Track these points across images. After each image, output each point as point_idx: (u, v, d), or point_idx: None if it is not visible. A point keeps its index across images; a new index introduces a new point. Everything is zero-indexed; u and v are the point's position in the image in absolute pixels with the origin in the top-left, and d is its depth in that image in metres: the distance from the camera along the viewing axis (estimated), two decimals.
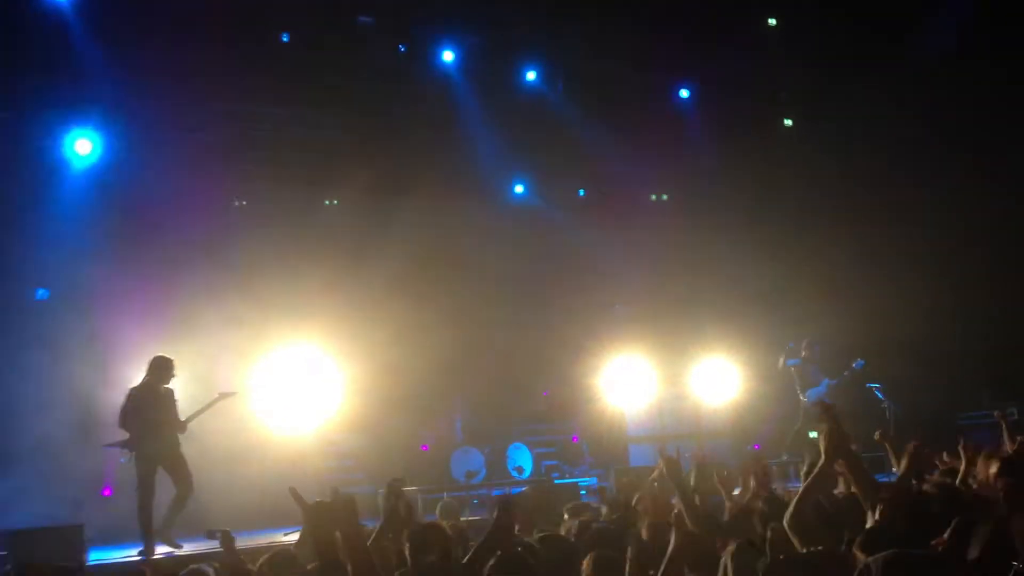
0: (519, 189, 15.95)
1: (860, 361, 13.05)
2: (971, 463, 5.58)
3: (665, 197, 16.37)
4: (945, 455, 6.77)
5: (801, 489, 4.14)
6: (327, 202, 14.55)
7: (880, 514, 4.21)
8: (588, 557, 4.35)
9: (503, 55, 14.34)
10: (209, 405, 10.03)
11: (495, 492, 11.80)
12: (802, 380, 13.34)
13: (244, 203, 13.90)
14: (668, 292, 14.96)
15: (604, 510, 6.74)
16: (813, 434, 13.35)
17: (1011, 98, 13.46)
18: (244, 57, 12.39)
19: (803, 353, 13.42)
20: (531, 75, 14.69)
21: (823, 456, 4.21)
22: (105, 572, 6.21)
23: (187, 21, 11.58)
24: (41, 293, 11.92)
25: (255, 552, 6.16)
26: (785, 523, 4.03)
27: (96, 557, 8.70)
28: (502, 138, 14.55)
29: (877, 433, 7.03)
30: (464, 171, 14.70)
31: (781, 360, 13.49)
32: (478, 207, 15.23)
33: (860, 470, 4.58)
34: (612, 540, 4.95)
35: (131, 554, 8.97)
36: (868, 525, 4.22)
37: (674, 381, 14.37)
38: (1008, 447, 6.76)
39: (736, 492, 6.44)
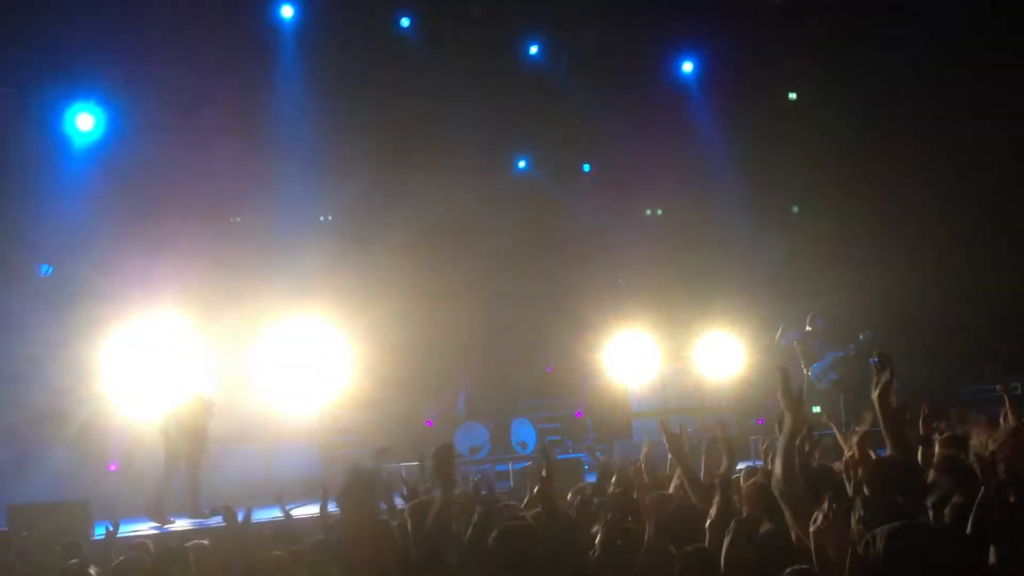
0: (522, 164, 15.90)
1: (868, 333, 12.96)
2: (967, 434, 5.56)
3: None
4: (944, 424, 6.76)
5: (783, 458, 4.05)
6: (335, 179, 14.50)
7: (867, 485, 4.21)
8: (600, 532, 4.40)
9: (507, 28, 14.22)
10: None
11: (499, 467, 11.85)
12: (805, 355, 13.28)
13: (248, 182, 13.86)
14: (672, 267, 14.93)
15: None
16: (816, 409, 13.37)
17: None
18: (247, 34, 12.34)
19: (807, 328, 13.36)
20: (533, 49, 14.57)
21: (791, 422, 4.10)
22: (109, 546, 6.26)
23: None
24: (44, 269, 11.93)
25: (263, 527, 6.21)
26: (777, 493, 4.01)
27: (101, 532, 8.75)
28: (506, 112, 14.47)
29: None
30: (468, 145, 14.63)
31: (777, 337, 13.42)
32: (482, 182, 15.20)
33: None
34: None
35: (140, 528, 9.05)
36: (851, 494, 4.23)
37: (678, 356, 14.37)
38: (1012, 420, 6.75)
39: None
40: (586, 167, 16.18)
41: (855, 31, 14.46)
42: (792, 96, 16.05)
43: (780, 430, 4.15)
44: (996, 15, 13.46)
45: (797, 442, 4.06)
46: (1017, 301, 13.68)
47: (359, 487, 3.97)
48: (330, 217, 14.81)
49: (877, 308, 13.38)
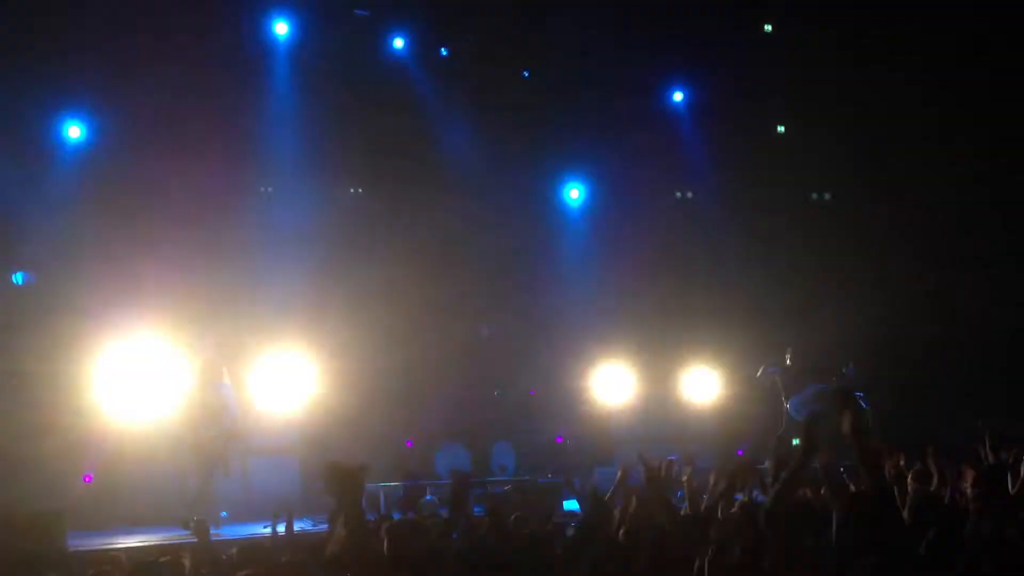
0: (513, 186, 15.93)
1: (851, 367, 13.01)
2: (942, 473, 5.61)
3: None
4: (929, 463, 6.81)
5: (777, 490, 4.13)
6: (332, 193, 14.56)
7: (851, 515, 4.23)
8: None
9: (496, 54, 14.26)
10: None
11: (478, 490, 11.79)
12: (786, 388, 13.33)
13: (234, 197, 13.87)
14: (656, 295, 14.98)
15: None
16: (796, 441, 13.37)
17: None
18: (237, 46, 12.36)
19: (787, 362, 13.41)
20: (524, 74, 14.64)
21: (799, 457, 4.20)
22: (82, 559, 6.21)
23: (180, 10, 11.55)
24: (21, 277, 11.87)
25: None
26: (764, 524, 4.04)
27: (75, 543, 8.68)
28: (492, 134, 14.54)
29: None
30: (456, 167, 14.68)
31: (760, 370, 13.46)
32: (469, 203, 15.24)
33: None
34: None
35: (114, 541, 8.99)
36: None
37: (660, 384, 14.40)
38: (989, 459, 6.80)
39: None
40: (572, 189, 16.17)
41: (847, 62, 14.61)
42: (780, 129, 16.17)
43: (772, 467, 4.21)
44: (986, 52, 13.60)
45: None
46: (998, 341, 13.78)
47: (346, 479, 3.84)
48: (318, 234, 14.81)
49: (858, 343, 13.46)
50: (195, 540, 5.73)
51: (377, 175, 14.57)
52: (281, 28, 12.88)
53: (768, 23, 15.41)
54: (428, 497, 11.08)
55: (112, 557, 5.78)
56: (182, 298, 11.71)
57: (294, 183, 13.61)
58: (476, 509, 9.59)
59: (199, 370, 10.51)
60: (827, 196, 15.76)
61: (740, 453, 14.24)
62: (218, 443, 10.25)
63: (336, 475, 3.72)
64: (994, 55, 13.68)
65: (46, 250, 11.72)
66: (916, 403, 13.71)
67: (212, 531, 8.46)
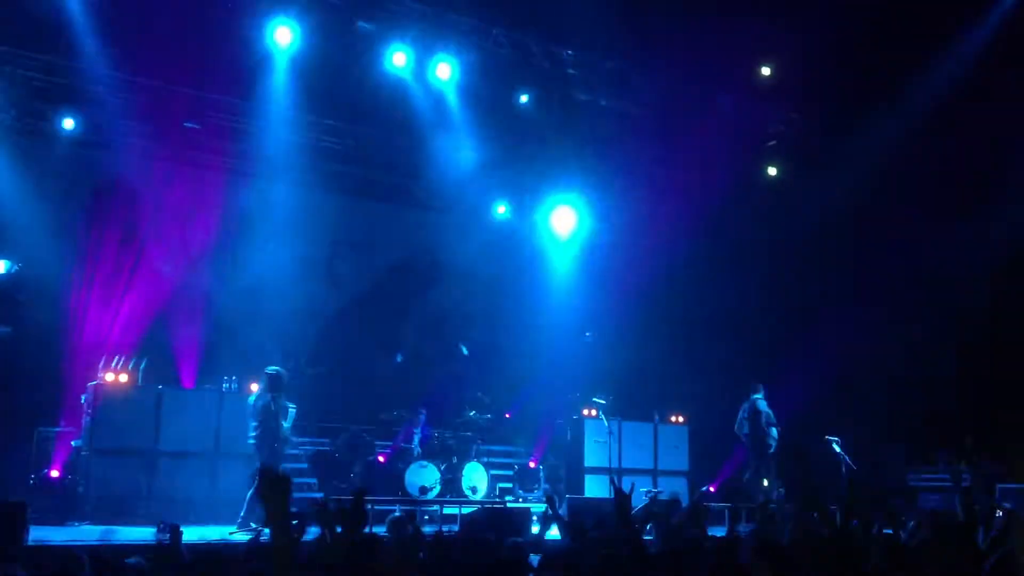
0: (501, 209, 16.02)
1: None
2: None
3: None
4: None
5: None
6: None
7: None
8: None
9: (497, 75, 14.37)
10: None
11: (446, 510, 11.76)
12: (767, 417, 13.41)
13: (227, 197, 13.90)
14: (637, 324, 15.06)
15: None
16: (765, 483, 13.44)
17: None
18: (236, 52, 12.39)
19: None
20: (524, 98, 14.71)
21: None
22: (43, 554, 6.13)
23: (184, 8, 11.55)
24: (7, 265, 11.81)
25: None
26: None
27: (36, 536, 8.58)
28: (488, 155, 14.61)
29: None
30: (448, 186, 14.76)
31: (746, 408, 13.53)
32: (460, 222, 15.33)
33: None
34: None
35: (75, 538, 8.89)
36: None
37: (638, 415, 14.46)
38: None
39: None
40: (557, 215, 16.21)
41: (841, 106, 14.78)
42: (771, 171, 16.31)
43: None
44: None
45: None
46: (971, 389, 13.86)
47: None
48: (310, 240, 14.86)
49: (834, 390, 13.58)
50: (159, 542, 5.68)
51: (368, 189, 14.66)
52: (284, 35, 12.91)
53: None
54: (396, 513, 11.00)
55: (74, 555, 5.71)
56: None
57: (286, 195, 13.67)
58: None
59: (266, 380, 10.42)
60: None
61: (713, 488, 14.31)
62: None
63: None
64: None
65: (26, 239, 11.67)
66: (886, 452, 13.83)
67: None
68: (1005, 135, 13.53)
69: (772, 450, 13.15)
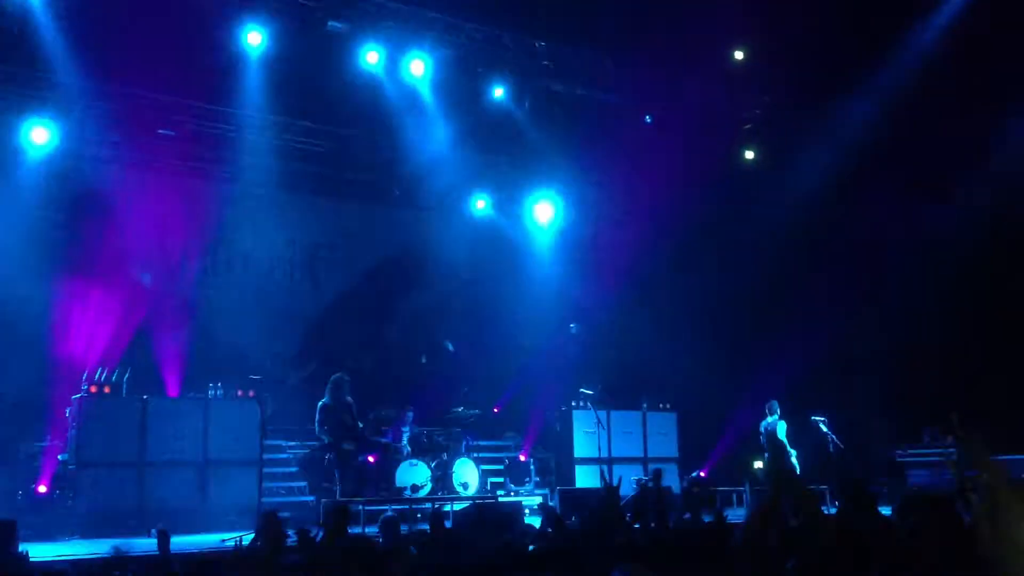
0: (481, 204, 16.00)
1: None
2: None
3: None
4: None
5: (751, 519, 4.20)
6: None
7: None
8: None
9: (471, 70, 14.35)
10: None
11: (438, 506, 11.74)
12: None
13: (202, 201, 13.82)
14: (622, 314, 15.09)
15: None
16: (758, 463, 13.54)
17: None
18: (208, 57, 12.31)
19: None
20: (498, 91, 14.68)
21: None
22: (29, 569, 6.09)
23: (153, 15, 11.46)
24: None
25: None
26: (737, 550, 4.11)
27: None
28: (465, 151, 14.59)
29: None
30: (426, 183, 14.74)
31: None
32: (440, 218, 15.32)
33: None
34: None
35: (62, 552, 8.83)
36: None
37: (626, 403, 14.51)
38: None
39: None
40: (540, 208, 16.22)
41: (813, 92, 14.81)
42: (748, 155, 16.34)
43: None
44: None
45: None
46: (956, 366, 13.94)
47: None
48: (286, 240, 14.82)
49: (820, 368, 13.65)
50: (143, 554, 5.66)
51: (345, 189, 14.62)
52: (255, 38, 12.82)
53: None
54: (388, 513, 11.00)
55: (59, 570, 5.69)
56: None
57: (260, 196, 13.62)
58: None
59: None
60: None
61: (703, 474, 14.38)
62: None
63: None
64: None
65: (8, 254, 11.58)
66: (874, 430, 13.91)
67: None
68: (977, 109, 13.60)
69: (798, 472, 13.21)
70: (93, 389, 10.83)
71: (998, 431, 12.79)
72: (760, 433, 13.55)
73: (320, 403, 11.71)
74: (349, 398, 11.90)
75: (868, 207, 14.49)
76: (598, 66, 14.87)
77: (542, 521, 6.65)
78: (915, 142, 14.26)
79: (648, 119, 15.77)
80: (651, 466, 14.13)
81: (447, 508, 11.35)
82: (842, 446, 13.26)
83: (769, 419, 13.51)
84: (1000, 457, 12.59)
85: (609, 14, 13.95)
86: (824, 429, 13.23)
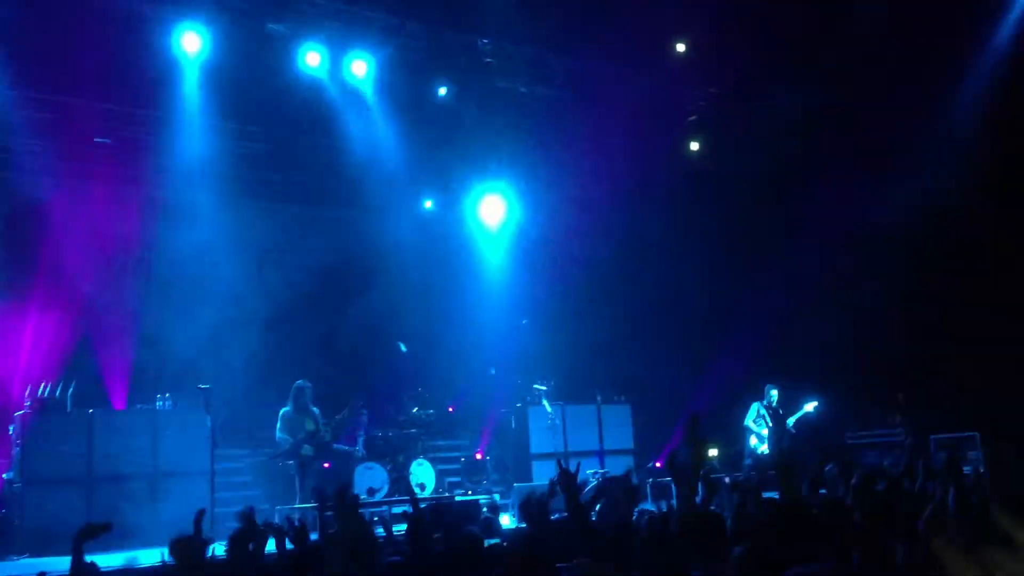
0: (428, 204, 15.95)
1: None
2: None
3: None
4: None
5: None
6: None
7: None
8: None
9: (414, 69, 14.26)
10: None
11: (395, 509, 11.67)
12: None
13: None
14: (573, 308, 15.11)
15: None
16: (713, 452, 13.67)
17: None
18: (145, 62, 12.09)
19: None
20: (442, 90, 14.61)
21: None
22: None
23: (86, 22, 11.22)
24: None
25: None
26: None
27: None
28: (411, 151, 14.51)
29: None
30: (373, 184, 14.62)
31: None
32: (389, 219, 15.21)
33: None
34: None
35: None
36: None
37: (580, 397, 14.54)
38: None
39: None
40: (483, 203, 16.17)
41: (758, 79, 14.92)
42: (694, 146, 16.44)
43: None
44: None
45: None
46: (903, 347, 14.17)
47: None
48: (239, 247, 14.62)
49: (768, 354, 13.81)
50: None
51: (292, 192, 14.46)
52: (192, 43, 12.60)
53: None
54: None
55: None
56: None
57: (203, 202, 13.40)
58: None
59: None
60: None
61: (659, 464, 14.46)
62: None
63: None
64: None
65: None
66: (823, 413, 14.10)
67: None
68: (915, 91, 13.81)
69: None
70: (36, 405, 10.60)
71: (947, 413, 13.12)
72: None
73: (281, 410, 11.78)
74: (313, 407, 11.98)
75: (815, 195, 14.65)
76: (541, 63, 14.87)
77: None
78: (860, 130, 14.45)
79: (592, 114, 15.79)
80: (607, 459, 14.20)
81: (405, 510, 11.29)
82: (793, 430, 13.47)
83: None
84: (949, 436, 12.93)
85: (550, 10, 13.94)
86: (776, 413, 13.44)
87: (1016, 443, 10.54)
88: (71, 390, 10.80)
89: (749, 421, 13.83)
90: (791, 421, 13.75)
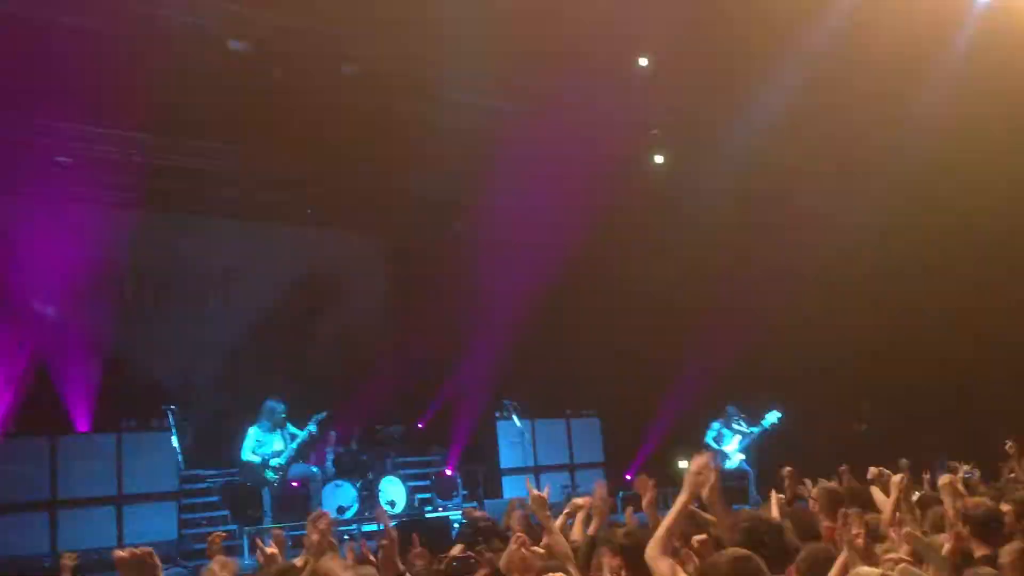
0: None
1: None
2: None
3: None
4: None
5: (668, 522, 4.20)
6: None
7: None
8: None
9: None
10: None
11: (364, 527, 11.60)
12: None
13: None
14: (539, 322, 15.08)
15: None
16: (683, 463, 13.70)
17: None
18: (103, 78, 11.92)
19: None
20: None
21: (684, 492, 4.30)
22: None
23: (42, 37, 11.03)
24: None
25: None
26: (647, 554, 4.11)
27: None
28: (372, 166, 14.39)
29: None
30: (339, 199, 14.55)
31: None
32: (355, 235, 15.16)
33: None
34: None
35: None
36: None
37: (549, 411, 14.55)
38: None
39: None
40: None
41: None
42: (658, 159, 16.48)
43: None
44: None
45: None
46: (885, 358, 14.22)
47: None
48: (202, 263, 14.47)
49: (747, 366, 13.91)
50: None
51: (259, 206, 14.35)
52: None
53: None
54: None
55: None
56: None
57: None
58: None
59: None
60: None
61: (628, 476, 14.49)
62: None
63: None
64: None
65: None
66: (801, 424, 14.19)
67: None
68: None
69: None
70: None
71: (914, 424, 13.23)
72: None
73: (250, 428, 11.78)
74: (284, 426, 11.99)
75: (779, 200, 14.72)
76: (499, 76, 14.79)
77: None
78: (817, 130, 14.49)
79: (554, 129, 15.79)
80: (577, 473, 14.20)
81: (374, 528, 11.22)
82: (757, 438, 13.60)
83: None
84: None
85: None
86: (743, 428, 13.56)
87: None
88: (33, 414, 10.66)
89: (710, 439, 14.01)
90: (755, 429, 13.86)
